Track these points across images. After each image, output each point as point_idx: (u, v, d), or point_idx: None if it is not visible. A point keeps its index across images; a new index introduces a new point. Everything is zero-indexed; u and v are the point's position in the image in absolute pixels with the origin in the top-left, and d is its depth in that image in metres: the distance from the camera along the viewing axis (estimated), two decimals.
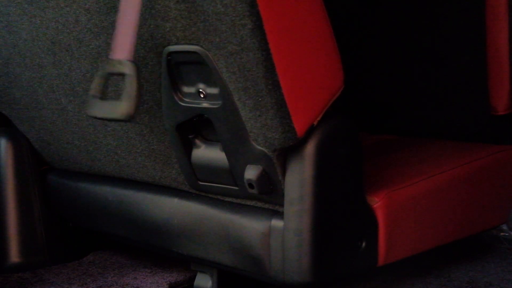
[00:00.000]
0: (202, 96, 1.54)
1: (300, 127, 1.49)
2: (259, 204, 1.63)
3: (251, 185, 1.56)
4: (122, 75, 1.43)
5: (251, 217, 1.61)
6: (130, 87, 1.41)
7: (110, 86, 1.52)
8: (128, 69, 1.42)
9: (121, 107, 1.41)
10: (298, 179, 1.52)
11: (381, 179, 1.72)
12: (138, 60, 1.59)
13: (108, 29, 1.58)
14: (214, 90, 1.52)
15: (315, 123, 1.51)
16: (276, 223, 1.57)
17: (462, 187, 1.86)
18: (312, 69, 1.50)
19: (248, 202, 1.64)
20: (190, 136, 1.64)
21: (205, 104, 1.54)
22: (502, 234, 2.21)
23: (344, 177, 1.58)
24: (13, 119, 2.01)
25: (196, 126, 1.63)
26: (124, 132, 1.74)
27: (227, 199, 1.68)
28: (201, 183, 1.68)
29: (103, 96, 1.46)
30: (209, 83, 1.52)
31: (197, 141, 1.64)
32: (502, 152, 1.96)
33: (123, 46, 1.42)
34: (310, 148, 1.52)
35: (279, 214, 1.57)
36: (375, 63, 2.27)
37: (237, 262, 1.65)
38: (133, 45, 1.42)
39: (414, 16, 2.16)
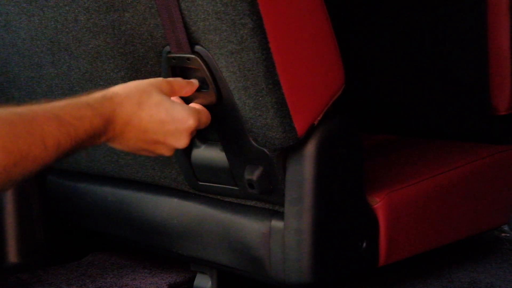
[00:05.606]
0: None
1: (300, 126, 1.49)
2: (259, 204, 1.63)
3: (251, 185, 1.55)
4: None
5: (251, 217, 1.61)
6: None
7: None
8: None
9: None
10: (298, 179, 1.52)
11: (382, 179, 1.72)
12: (137, 60, 1.59)
13: (108, 29, 1.58)
14: (214, 90, 1.51)
15: (316, 122, 1.51)
16: (276, 223, 1.56)
17: (463, 188, 1.85)
18: (312, 68, 1.50)
19: (248, 202, 1.64)
20: None
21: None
22: (503, 235, 2.21)
23: (344, 177, 1.57)
24: None
25: None
26: None
27: (227, 199, 1.67)
28: (201, 183, 1.67)
29: None
30: (209, 83, 1.51)
31: (197, 141, 1.64)
32: (503, 153, 1.96)
33: None
34: (310, 148, 1.51)
35: (279, 214, 1.57)
36: (375, 62, 2.27)
37: (237, 262, 1.65)
38: None
39: (415, 16, 2.15)
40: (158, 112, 1.32)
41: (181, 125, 1.36)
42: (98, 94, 1.28)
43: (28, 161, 1.11)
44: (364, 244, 1.61)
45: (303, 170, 1.52)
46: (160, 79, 1.39)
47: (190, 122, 1.36)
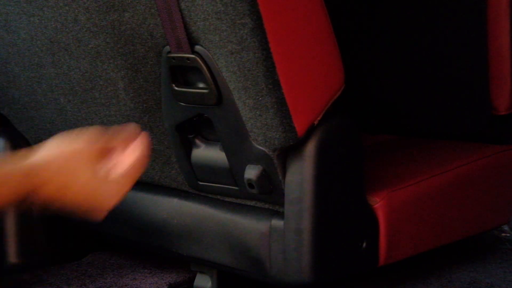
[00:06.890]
0: None
1: (300, 126, 1.49)
2: (259, 204, 1.62)
3: (251, 185, 1.55)
4: None
5: (251, 217, 1.61)
6: None
7: None
8: None
9: None
10: (298, 179, 1.52)
11: (382, 179, 1.71)
12: (137, 59, 1.58)
13: (107, 28, 1.58)
14: (214, 90, 1.51)
15: (316, 122, 1.51)
16: (276, 223, 1.56)
17: (463, 187, 1.85)
18: (312, 68, 1.50)
19: (248, 202, 1.64)
20: (190, 136, 1.64)
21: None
22: (503, 234, 2.20)
23: (344, 177, 1.57)
24: (11, 119, 2.00)
25: (196, 126, 1.62)
26: None
27: (227, 199, 1.67)
28: (201, 183, 1.67)
29: None
30: (209, 83, 1.51)
31: (197, 141, 1.64)
32: (503, 152, 1.96)
33: None
34: (310, 148, 1.51)
35: (279, 214, 1.57)
36: (375, 62, 2.27)
37: (237, 262, 1.65)
38: None
39: (415, 16, 2.15)
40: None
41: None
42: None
43: None
44: (364, 244, 1.61)
45: (303, 170, 1.51)
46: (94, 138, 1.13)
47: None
